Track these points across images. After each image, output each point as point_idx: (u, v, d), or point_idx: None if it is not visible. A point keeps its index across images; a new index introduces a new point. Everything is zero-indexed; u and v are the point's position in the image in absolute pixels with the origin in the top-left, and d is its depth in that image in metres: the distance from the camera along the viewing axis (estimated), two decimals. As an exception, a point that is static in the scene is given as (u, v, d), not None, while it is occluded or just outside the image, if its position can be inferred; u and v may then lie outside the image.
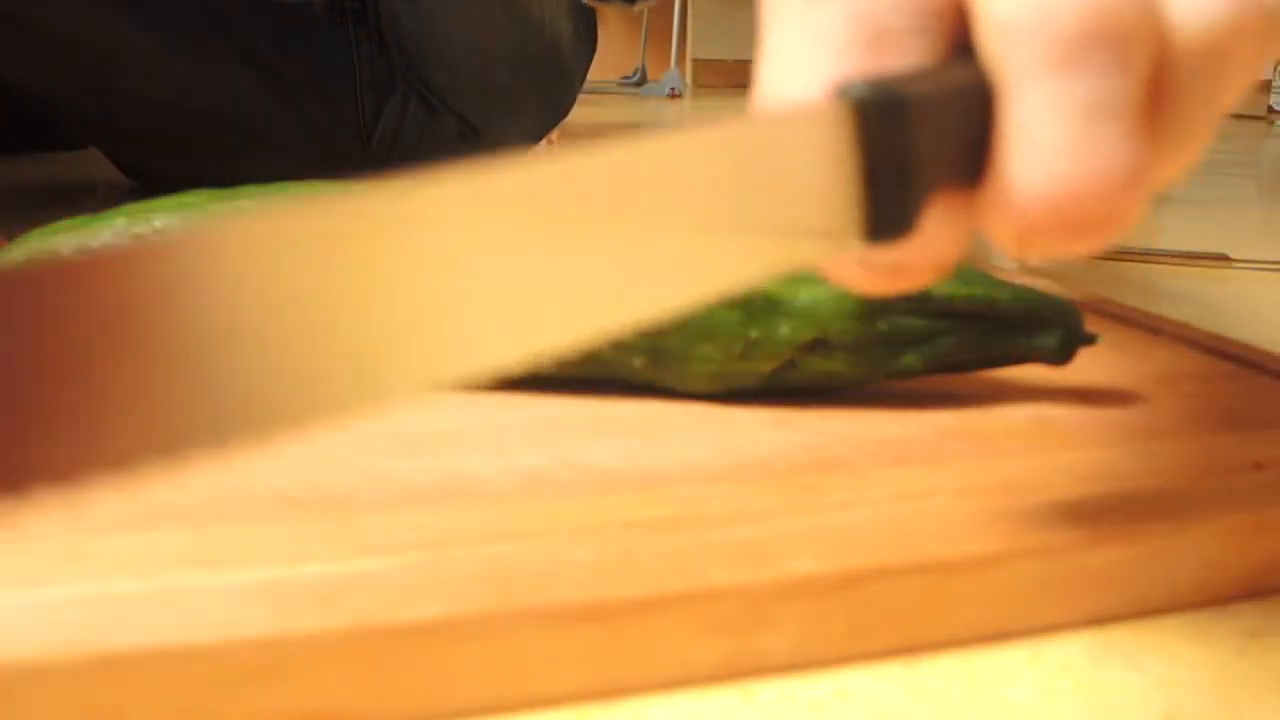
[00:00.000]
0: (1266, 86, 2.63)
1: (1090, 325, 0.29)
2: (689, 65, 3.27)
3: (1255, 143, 1.73)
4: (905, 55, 0.16)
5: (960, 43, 0.17)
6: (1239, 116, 2.59)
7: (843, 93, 0.15)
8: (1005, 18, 0.16)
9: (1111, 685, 0.20)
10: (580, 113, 0.97)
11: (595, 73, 0.95)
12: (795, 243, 0.15)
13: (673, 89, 2.79)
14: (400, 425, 0.26)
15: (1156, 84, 0.17)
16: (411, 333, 0.12)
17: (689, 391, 0.28)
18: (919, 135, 0.15)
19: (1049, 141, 0.16)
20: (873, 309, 0.26)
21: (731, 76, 3.87)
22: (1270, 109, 2.58)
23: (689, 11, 3.25)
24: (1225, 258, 0.59)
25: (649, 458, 0.25)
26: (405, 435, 0.26)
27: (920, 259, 0.17)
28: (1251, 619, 0.22)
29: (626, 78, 2.96)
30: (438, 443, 0.25)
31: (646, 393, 0.29)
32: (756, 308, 0.27)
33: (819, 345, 0.27)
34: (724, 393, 0.28)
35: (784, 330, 0.27)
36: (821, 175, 0.15)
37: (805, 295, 0.27)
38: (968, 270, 0.28)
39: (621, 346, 0.27)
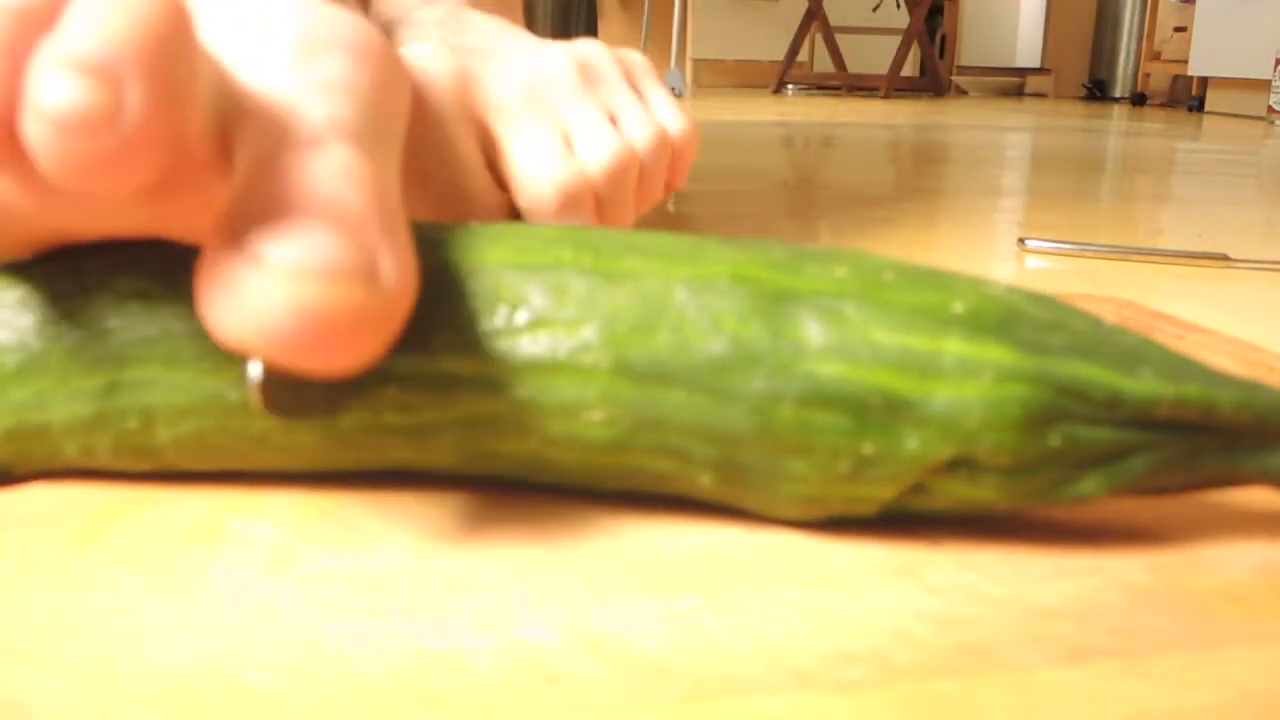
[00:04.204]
0: (1266, 86, 2.56)
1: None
2: (689, 65, 3.20)
3: (1255, 143, 1.71)
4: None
5: None
6: (1239, 116, 2.52)
7: None
8: (527, 205, 0.41)
9: None
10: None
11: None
12: None
13: (673, 89, 2.72)
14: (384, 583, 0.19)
15: (598, 197, 0.42)
16: None
17: (774, 516, 0.21)
18: None
19: None
20: (1042, 416, 0.19)
21: (732, 76, 3.80)
22: (1270, 109, 2.52)
23: (689, 11, 3.19)
24: (1225, 258, 0.58)
25: (707, 635, 0.17)
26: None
27: None
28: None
29: (626, 78, 2.89)
30: (412, 602, 0.18)
31: (715, 511, 0.21)
32: (873, 411, 0.19)
33: (961, 465, 0.19)
34: (824, 519, 0.21)
35: (912, 444, 0.19)
36: None
37: (944, 395, 0.19)
38: (1178, 363, 0.20)
39: (682, 457, 0.20)
